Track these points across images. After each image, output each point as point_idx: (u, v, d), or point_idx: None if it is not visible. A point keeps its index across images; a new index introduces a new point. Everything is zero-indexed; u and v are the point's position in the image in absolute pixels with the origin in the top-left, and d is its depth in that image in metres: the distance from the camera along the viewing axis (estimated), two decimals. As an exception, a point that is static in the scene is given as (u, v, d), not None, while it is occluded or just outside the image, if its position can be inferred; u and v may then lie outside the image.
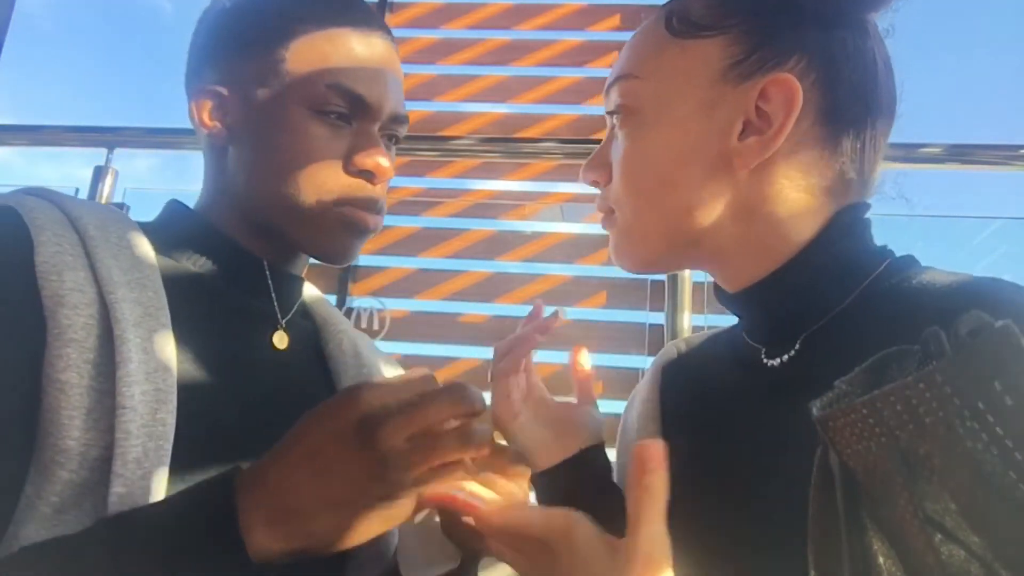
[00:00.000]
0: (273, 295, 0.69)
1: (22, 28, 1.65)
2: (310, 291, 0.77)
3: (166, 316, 0.56)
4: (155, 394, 0.52)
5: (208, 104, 0.67)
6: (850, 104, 0.54)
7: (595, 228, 1.50)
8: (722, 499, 0.55)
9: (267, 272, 0.68)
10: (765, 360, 0.58)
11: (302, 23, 0.65)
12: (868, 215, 0.57)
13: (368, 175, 0.66)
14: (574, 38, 1.58)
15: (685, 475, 0.59)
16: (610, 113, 0.60)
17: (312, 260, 0.72)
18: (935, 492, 0.31)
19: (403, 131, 0.72)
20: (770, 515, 0.49)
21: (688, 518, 0.57)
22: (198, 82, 0.68)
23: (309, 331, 0.74)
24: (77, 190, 1.45)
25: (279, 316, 0.69)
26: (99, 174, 1.45)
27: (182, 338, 0.57)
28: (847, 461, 0.34)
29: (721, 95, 0.54)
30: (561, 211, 1.51)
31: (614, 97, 0.59)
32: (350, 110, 0.65)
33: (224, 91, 0.66)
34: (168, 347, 0.54)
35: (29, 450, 0.50)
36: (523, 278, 1.46)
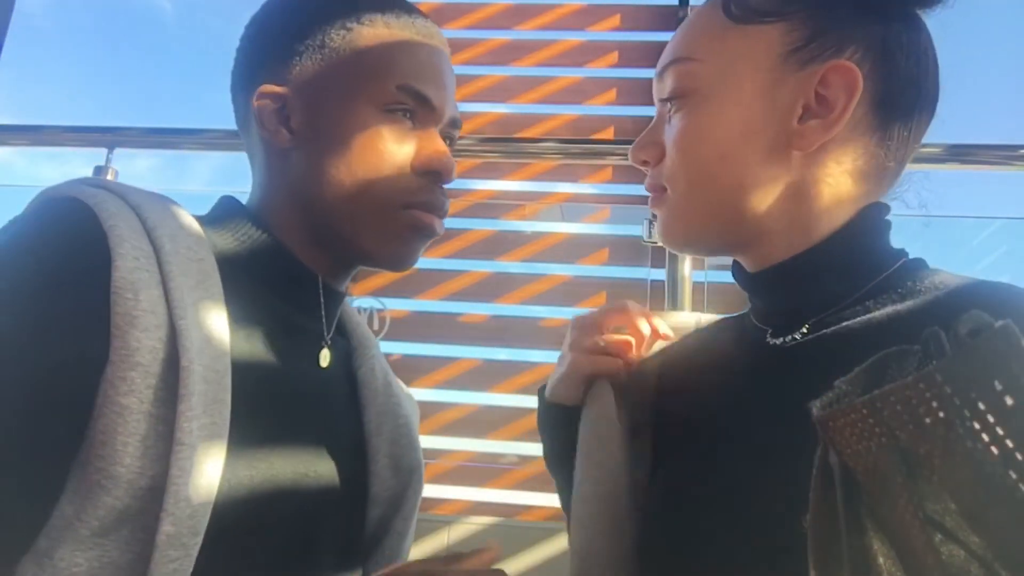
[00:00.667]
0: (323, 312, 0.68)
1: (22, 28, 1.65)
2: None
3: (227, 342, 0.54)
4: (211, 428, 0.51)
5: (269, 107, 0.65)
6: (902, 95, 0.56)
7: (595, 228, 1.50)
8: (719, 469, 0.56)
9: (320, 289, 0.68)
10: (770, 340, 0.59)
11: (370, 24, 0.66)
12: (889, 216, 0.59)
13: (435, 176, 0.66)
14: (574, 38, 1.58)
15: (682, 445, 0.60)
16: (664, 100, 0.62)
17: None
18: (935, 492, 0.31)
19: (457, 135, 0.73)
20: (765, 486, 0.50)
21: (684, 487, 0.58)
22: (253, 85, 0.66)
23: (345, 349, 0.74)
24: (77, 190, 1.45)
25: (325, 334, 0.69)
26: (99, 174, 1.45)
27: (237, 358, 0.56)
28: (847, 461, 0.34)
29: (782, 78, 0.56)
30: (561, 211, 1.51)
31: (669, 81, 0.60)
32: (415, 112, 0.65)
33: (286, 93, 0.65)
34: (227, 378, 0.53)
35: (67, 468, 0.48)
36: (523, 278, 1.46)
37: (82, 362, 0.48)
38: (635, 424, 0.66)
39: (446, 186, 0.69)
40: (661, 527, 0.58)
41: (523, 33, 1.60)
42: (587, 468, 0.64)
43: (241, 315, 0.59)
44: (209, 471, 0.50)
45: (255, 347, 0.60)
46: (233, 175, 1.52)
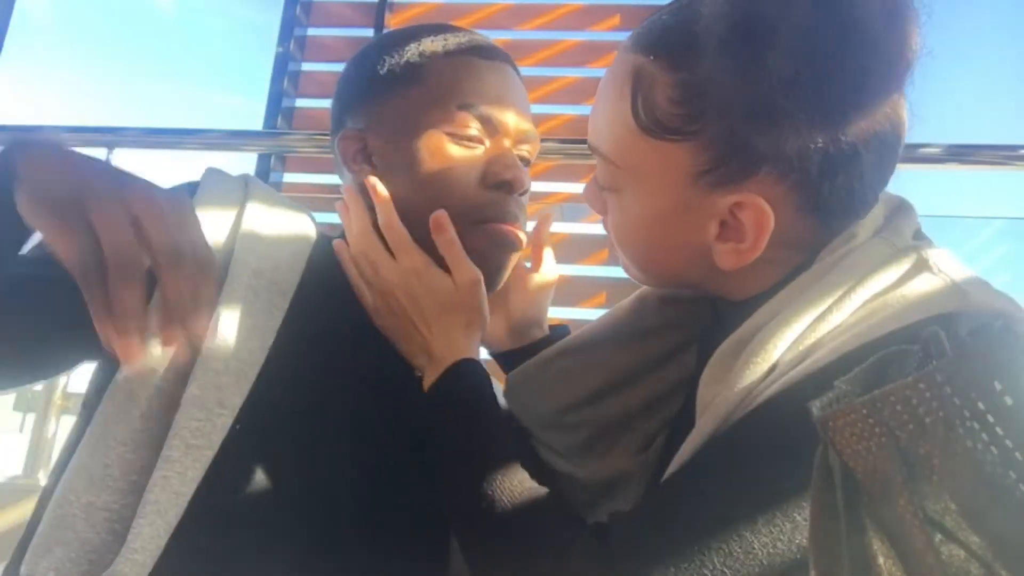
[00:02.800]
0: None
1: (22, 28, 1.65)
2: None
3: (299, 266, 0.64)
4: (262, 314, 0.58)
5: (352, 148, 0.72)
6: (834, 194, 0.52)
7: (595, 228, 1.50)
8: None
9: None
10: None
11: (432, 57, 0.70)
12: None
13: (507, 186, 0.68)
14: (574, 38, 1.58)
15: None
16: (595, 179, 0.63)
17: None
18: (935, 492, 0.31)
19: (532, 151, 0.76)
20: None
21: None
22: (340, 129, 0.73)
23: None
24: (77, 190, 1.45)
25: None
26: (99, 174, 1.44)
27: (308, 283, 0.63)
28: (847, 461, 0.34)
29: (695, 198, 0.54)
30: (561, 211, 1.51)
31: (598, 170, 0.62)
32: (482, 130, 0.69)
33: (366, 134, 0.71)
34: (293, 278, 0.62)
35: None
36: (523, 278, 1.46)
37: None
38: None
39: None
40: None
41: (523, 33, 1.60)
42: None
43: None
44: (250, 347, 0.55)
45: (326, 305, 0.65)
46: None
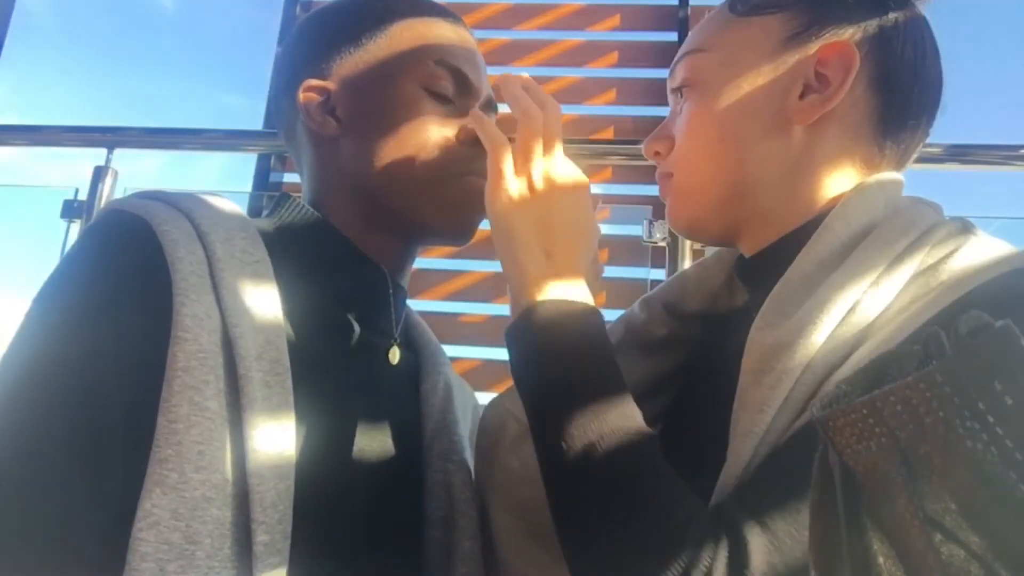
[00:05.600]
0: (392, 308, 0.69)
1: (22, 27, 1.65)
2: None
3: (284, 345, 0.54)
4: (280, 431, 0.51)
5: (314, 100, 0.68)
6: (900, 77, 0.59)
7: (595, 228, 1.50)
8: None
9: (389, 284, 0.69)
10: None
11: (401, 15, 0.69)
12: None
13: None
14: (574, 38, 1.58)
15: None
16: (675, 90, 0.65)
17: None
18: (935, 492, 0.31)
19: (495, 118, 0.75)
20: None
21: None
22: (296, 83, 0.69)
23: (415, 355, 0.74)
24: (77, 190, 1.45)
25: (394, 330, 0.69)
26: (99, 174, 1.45)
27: (299, 356, 0.56)
28: (847, 461, 0.34)
29: (782, 60, 0.59)
30: (561, 211, 1.51)
31: (680, 73, 0.64)
32: (455, 89, 0.68)
33: (330, 86, 0.68)
34: (287, 380, 0.54)
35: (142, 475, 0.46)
36: (523, 278, 1.46)
37: (156, 365, 0.48)
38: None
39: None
40: None
41: (523, 33, 1.60)
42: None
43: (305, 312, 0.60)
44: (286, 472, 0.51)
45: (319, 343, 0.60)
46: (243, 175, 1.52)
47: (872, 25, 0.59)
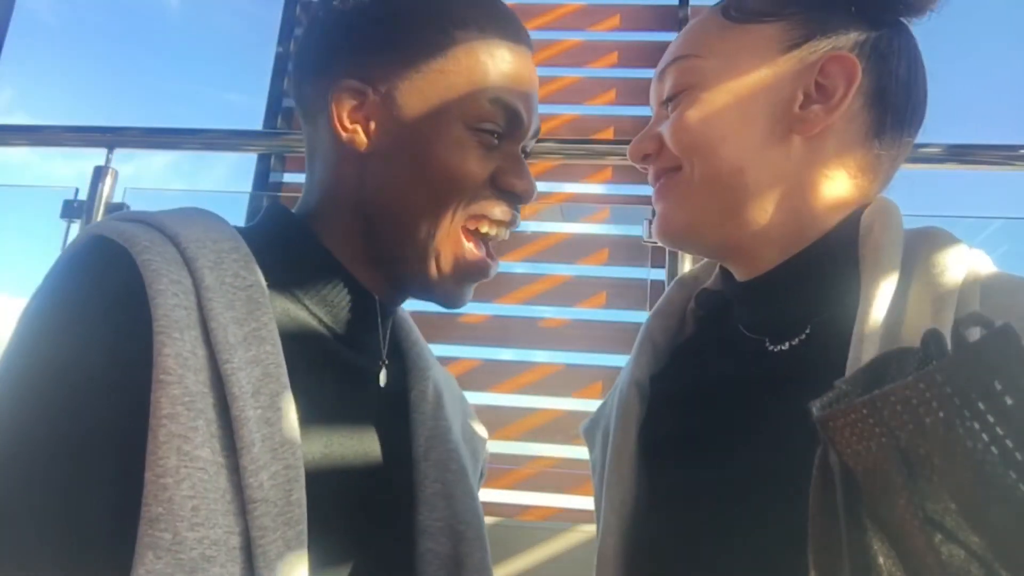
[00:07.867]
0: (380, 331, 0.66)
1: (23, 26, 1.65)
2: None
3: (285, 377, 0.50)
4: (285, 473, 0.47)
5: (348, 104, 0.61)
6: (894, 93, 0.59)
7: (595, 228, 1.50)
8: (720, 484, 0.55)
9: (379, 310, 0.65)
10: (770, 347, 0.59)
11: (464, 29, 0.62)
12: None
13: (515, 198, 0.65)
14: (574, 38, 1.58)
15: (677, 460, 0.60)
16: (664, 101, 0.63)
17: None
18: (935, 492, 0.31)
19: (533, 145, 0.71)
20: (773, 500, 0.49)
21: (681, 503, 0.58)
22: (331, 72, 0.62)
23: (401, 361, 0.72)
24: (77, 190, 1.45)
25: (383, 353, 0.67)
26: (99, 174, 1.45)
27: (299, 390, 0.52)
28: (847, 461, 0.34)
29: (783, 69, 0.59)
30: (561, 211, 1.51)
31: (670, 79, 0.62)
32: (504, 129, 0.63)
33: (370, 93, 0.61)
34: (291, 414, 0.49)
35: (134, 529, 0.43)
36: (523, 278, 1.46)
37: (138, 415, 0.44)
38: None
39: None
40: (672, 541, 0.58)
41: (523, 33, 1.60)
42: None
43: (297, 340, 0.56)
44: (295, 518, 0.47)
45: (313, 370, 0.57)
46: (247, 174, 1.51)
47: (869, 41, 0.59)
